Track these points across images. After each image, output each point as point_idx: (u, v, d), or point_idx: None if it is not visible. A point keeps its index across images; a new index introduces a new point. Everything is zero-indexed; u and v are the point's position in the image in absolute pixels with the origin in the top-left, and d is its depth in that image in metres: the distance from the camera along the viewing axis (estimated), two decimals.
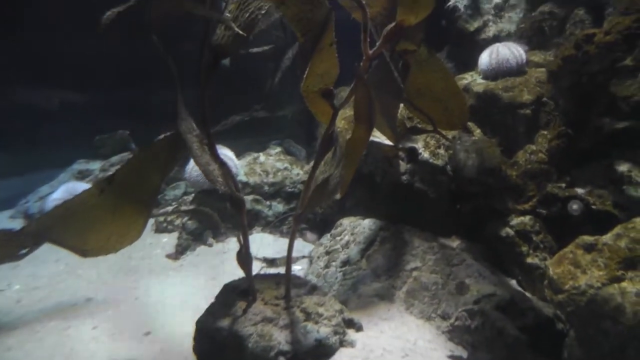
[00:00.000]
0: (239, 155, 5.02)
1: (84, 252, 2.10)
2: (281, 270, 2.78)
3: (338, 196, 2.13)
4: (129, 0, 1.90)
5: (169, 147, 2.15)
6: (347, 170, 2.09)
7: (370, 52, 2.05)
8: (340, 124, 3.66)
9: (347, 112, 3.62)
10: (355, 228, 3.37)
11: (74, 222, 2.00)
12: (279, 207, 4.60)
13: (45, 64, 5.86)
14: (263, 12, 2.16)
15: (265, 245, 4.13)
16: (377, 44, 2.13)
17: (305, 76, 1.95)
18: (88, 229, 2.06)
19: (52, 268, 3.78)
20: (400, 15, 2.11)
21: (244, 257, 2.36)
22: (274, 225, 4.45)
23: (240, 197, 2.25)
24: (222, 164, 2.19)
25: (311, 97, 2.16)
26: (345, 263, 3.16)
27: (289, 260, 2.37)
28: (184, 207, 4.47)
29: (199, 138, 2.15)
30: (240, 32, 1.96)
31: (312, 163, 5.13)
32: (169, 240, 4.30)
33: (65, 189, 4.62)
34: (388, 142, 3.31)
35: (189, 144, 2.06)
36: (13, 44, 5.57)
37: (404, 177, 3.43)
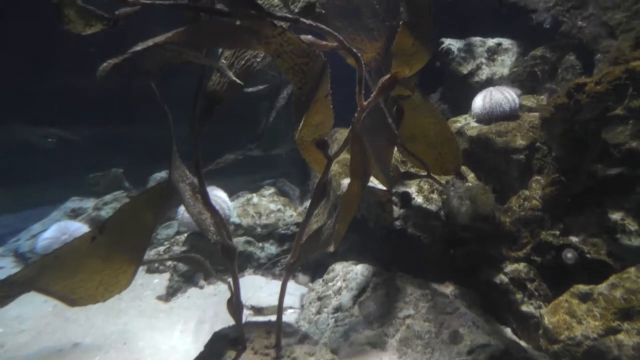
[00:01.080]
0: (232, 194, 5.00)
1: (72, 302, 2.06)
2: (271, 317, 2.74)
3: (332, 249, 2.11)
4: (123, 41, 1.90)
5: (161, 195, 2.13)
6: (342, 224, 2.07)
7: (365, 103, 2.06)
8: (334, 167, 3.65)
9: (340, 156, 3.62)
10: (348, 274, 3.34)
11: (63, 271, 1.97)
12: (271, 249, 4.55)
13: (39, 102, 5.89)
14: (259, 59, 2.18)
15: (257, 287, 4.07)
16: (372, 94, 2.14)
17: (300, 127, 1.95)
18: (77, 278, 2.02)
19: (39, 309, 3.70)
20: (395, 67, 2.13)
21: (235, 306, 2.32)
22: (266, 268, 4.40)
23: (232, 245, 2.22)
24: (215, 212, 2.17)
25: (305, 146, 2.16)
26: (337, 309, 3.12)
27: (280, 309, 2.33)
28: (175, 248, 4.42)
29: (191, 186, 2.14)
30: (237, 80, 1.96)
31: (305, 204, 5.14)
32: (160, 282, 4.24)
33: (57, 228, 4.58)
34: (381, 186, 3.31)
35: (181, 193, 2.05)
36: (7, 81, 5.60)
37: (397, 222, 3.42)
